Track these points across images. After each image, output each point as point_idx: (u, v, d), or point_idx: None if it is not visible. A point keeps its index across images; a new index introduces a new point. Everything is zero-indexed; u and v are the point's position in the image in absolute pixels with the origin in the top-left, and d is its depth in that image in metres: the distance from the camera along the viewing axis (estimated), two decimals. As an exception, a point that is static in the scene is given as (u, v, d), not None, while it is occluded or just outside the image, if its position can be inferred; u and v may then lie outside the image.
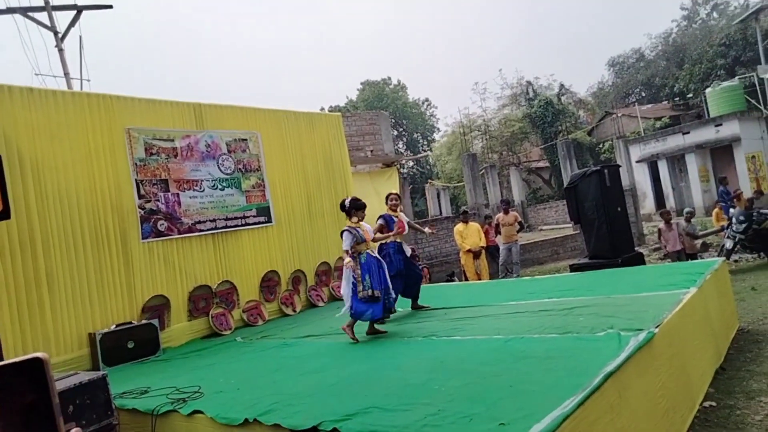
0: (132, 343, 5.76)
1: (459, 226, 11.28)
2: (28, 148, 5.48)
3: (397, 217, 6.14)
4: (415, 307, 6.33)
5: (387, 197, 6.42)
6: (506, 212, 11.73)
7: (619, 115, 28.90)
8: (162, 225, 6.52)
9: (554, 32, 77.65)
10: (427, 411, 2.77)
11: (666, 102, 34.44)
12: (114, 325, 5.78)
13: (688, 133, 22.85)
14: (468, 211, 12.11)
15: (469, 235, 11.04)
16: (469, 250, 10.94)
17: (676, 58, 34.50)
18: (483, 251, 11.15)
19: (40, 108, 5.67)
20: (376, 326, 5.27)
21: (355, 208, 5.36)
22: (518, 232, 11.84)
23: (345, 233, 5.24)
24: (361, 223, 5.36)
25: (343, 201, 5.50)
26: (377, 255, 5.40)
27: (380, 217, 6.14)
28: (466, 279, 11.08)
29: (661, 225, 9.92)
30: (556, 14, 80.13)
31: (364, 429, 2.67)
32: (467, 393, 3.02)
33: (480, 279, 10.73)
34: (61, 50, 13.31)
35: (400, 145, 42.43)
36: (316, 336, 5.75)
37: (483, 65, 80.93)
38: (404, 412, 2.82)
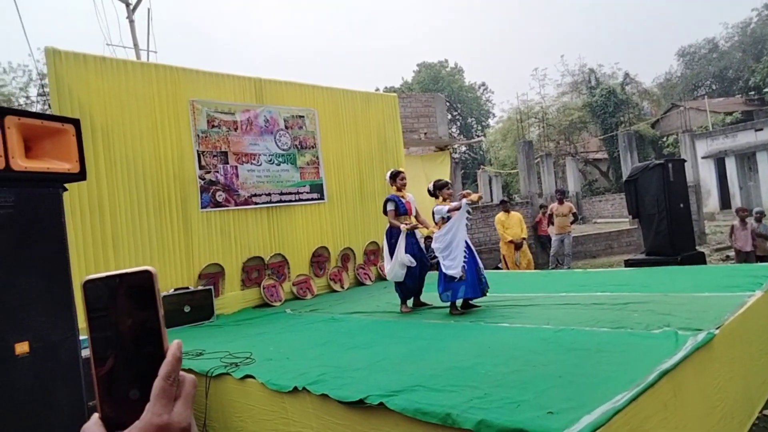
0: (188, 308, 6.00)
1: (500, 216, 11.01)
2: (99, 115, 5.73)
3: (404, 198, 5.89)
4: (417, 303, 5.84)
5: (395, 176, 5.97)
6: (561, 202, 11.46)
7: (687, 107, 27.53)
8: (220, 196, 6.71)
9: (622, 18, 74.52)
10: (474, 394, 2.77)
11: (739, 96, 32.54)
12: (172, 289, 6.03)
13: (761, 129, 21.55)
14: (507, 200, 11.85)
15: (511, 225, 10.76)
16: (510, 241, 10.70)
17: (754, 49, 32.45)
18: (524, 242, 10.87)
19: (112, 77, 5.90)
20: (471, 302, 5.34)
21: (439, 188, 5.56)
22: (572, 223, 11.56)
23: (438, 207, 5.38)
24: (449, 201, 5.48)
25: (429, 188, 5.67)
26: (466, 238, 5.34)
27: (388, 200, 5.84)
28: (507, 269, 10.90)
29: (735, 222, 9.44)
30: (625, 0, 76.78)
31: (410, 406, 2.69)
32: (515, 379, 3.00)
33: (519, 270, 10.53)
34: (131, 21, 13.77)
35: (454, 130, 41.95)
36: (364, 313, 5.84)
37: (544, 50, 78.57)
38: (450, 393, 2.83)
